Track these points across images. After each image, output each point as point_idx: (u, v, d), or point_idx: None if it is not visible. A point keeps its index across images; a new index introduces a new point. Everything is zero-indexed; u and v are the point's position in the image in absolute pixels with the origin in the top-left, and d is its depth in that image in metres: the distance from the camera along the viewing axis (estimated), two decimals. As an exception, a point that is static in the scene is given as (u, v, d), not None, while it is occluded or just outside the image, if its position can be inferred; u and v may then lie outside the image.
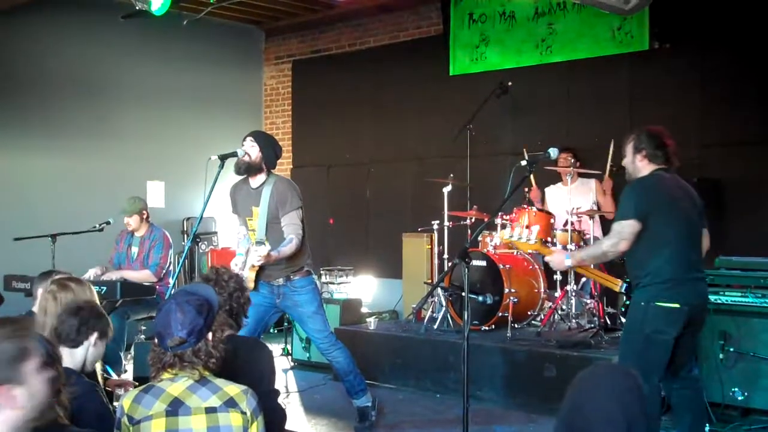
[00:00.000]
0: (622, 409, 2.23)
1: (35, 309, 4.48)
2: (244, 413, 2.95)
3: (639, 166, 4.70)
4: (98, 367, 3.94)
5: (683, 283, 4.48)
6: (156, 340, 3.03)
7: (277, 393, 3.96)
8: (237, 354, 3.75)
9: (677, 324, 4.46)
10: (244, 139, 5.51)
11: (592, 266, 5.43)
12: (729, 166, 7.33)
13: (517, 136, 8.72)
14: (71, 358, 3.46)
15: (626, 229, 4.48)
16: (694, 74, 7.62)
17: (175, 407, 2.90)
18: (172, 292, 5.37)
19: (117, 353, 6.51)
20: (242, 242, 5.67)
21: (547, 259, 4.98)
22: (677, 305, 4.43)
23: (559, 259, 4.87)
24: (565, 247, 6.69)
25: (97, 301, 3.98)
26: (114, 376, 4.88)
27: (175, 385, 2.96)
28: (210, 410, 2.91)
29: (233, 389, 3.00)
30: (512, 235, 5.17)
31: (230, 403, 2.94)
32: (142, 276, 7.03)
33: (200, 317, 3.02)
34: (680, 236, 4.52)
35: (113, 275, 6.92)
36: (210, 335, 3.06)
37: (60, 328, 3.48)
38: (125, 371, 6.90)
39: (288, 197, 5.42)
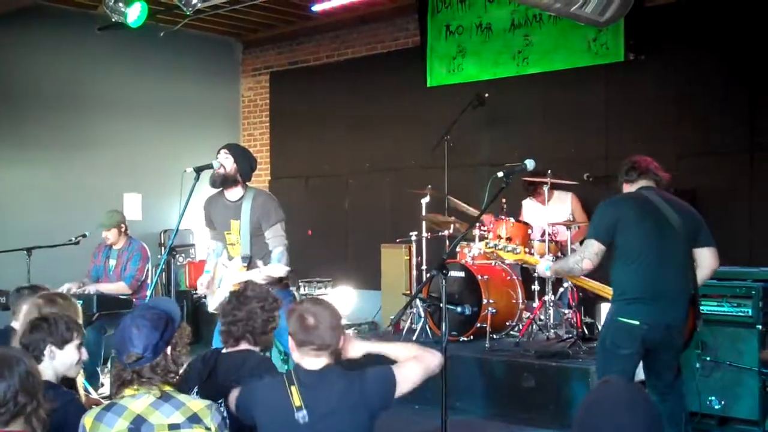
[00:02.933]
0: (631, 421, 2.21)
1: (14, 324, 4.43)
2: (208, 429, 2.90)
3: (624, 190, 4.78)
4: (80, 380, 3.91)
5: (648, 301, 4.47)
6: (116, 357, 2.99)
7: None
8: (244, 364, 3.70)
9: (635, 341, 4.48)
10: (218, 151, 5.48)
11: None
12: (703, 176, 7.38)
13: (494, 147, 8.76)
14: (44, 371, 3.42)
15: (589, 248, 4.57)
16: (669, 85, 7.69)
17: (138, 425, 2.85)
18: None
19: (94, 368, 6.45)
20: (210, 257, 5.63)
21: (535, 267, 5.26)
22: (636, 322, 4.45)
23: (540, 267, 5.10)
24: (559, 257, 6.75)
25: (78, 317, 3.92)
26: (92, 393, 4.84)
27: (138, 402, 2.91)
28: (173, 427, 2.87)
29: (197, 404, 2.95)
30: (496, 244, 5.33)
31: (194, 419, 2.90)
32: (117, 288, 6.97)
33: (156, 332, 2.96)
34: (650, 254, 4.50)
35: (89, 288, 6.87)
36: (169, 349, 3.00)
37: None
38: (102, 385, 6.84)
39: (271, 210, 5.39)
